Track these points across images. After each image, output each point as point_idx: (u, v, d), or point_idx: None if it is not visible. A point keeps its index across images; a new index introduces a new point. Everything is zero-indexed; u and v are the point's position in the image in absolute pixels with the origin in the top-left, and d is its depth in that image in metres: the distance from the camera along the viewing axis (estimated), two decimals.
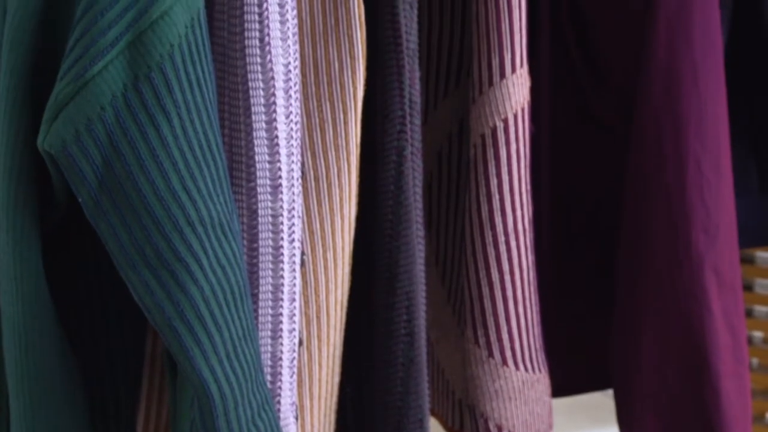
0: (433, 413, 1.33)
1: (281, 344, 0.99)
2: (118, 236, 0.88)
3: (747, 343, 1.25)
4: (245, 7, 0.95)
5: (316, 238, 1.06)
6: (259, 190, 0.97)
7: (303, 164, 1.04)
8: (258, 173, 0.97)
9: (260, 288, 0.98)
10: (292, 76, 0.97)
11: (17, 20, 0.87)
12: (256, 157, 0.97)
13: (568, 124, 1.31)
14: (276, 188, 0.97)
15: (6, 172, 0.89)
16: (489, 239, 1.17)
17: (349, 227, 1.07)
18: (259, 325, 0.98)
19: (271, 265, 0.98)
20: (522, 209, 1.18)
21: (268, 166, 0.97)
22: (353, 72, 1.05)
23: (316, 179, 1.05)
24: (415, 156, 1.11)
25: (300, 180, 1.00)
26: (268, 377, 0.99)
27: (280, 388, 0.99)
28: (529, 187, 1.18)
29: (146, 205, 0.88)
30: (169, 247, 0.88)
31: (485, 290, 1.18)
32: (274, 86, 0.96)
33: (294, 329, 1.00)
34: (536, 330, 1.21)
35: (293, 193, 0.99)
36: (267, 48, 0.95)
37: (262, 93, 0.96)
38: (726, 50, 1.25)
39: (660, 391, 1.25)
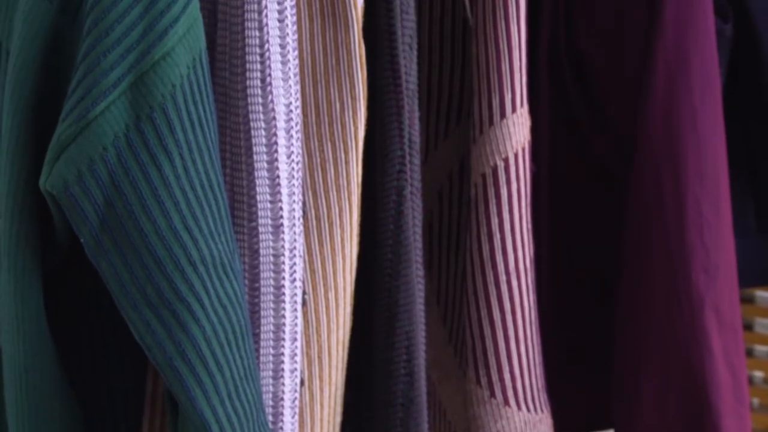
0: None
1: (283, 384, 0.99)
2: (119, 275, 0.88)
3: (747, 383, 1.25)
4: (247, 48, 0.95)
5: (317, 278, 1.06)
6: (260, 229, 0.97)
7: (304, 204, 1.04)
8: (259, 213, 0.97)
9: (262, 327, 0.98)
10: (293, 116, 0.98)
11: (20, 61, 0.88)
12: (258, 197, 0.97)
13: (567, 163, 1.31)
14: (277, 228, 0.97)
15: (8, 211, 0.90)
16: (490, 278, 1.17)
17: (351, 267, 1.07)
18: (261, 365, 0.98)
19: (272, 305, 0.98)
20: (523, 248, 1.18)
21: (269, 205, 0.97)
22: (354, 112, 1.05)
23: (318, 219, 1.06)
24: (414, 196, 1.11)
25: (301, 219, 1.00)
26: (270, 417, 0.98)
27: (281, 428, 0.99)
28: (530, 227, 1.19)
29: (148, 245, 0.88)
30: (171, 286, 0.88)
31: (486, 330, 1.18)
32: (275, 126, 0.96)
33: (296, 369, 1.00)
34: (538, 370, 1.20)
35: (295, 233, 0.99)
36: (268, 88, 0.96)
37: (263, 133, 0.96)
38: (724, 92, 1.25)
39: (661, 431, 1.25)
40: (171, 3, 0.87)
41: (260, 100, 0.96)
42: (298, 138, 0.99)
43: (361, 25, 1.05)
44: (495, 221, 1.16)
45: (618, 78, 1.26)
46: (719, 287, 1.20)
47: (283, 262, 0.98)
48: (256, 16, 0.95)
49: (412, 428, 1.10)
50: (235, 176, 0.97)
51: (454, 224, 1.29)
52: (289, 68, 0.97)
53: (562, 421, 1.29)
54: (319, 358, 1.06)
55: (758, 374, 1.82)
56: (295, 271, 0.99)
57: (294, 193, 0.99)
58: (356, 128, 1.06)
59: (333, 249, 1.06)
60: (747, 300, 1.77)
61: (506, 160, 1.16)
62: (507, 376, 1.18)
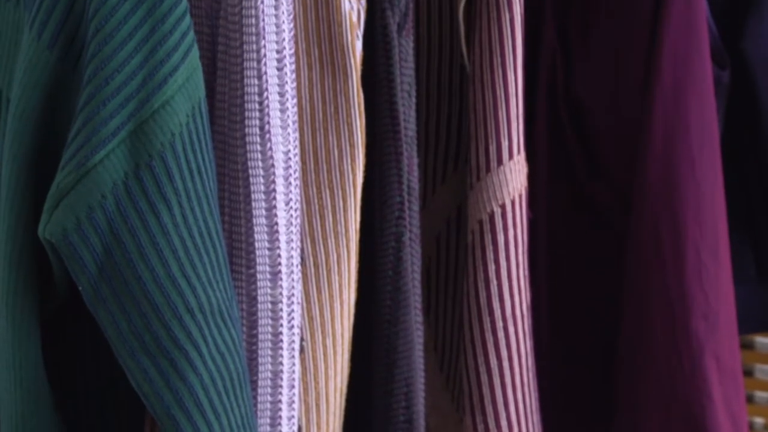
0: None
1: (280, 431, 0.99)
2: (117, 323, 0.88)
3: (749, 430, 1.25)
4: (246, 96, 0.96)
5: (315, 325, 1.06)
6: (258, 276, 0.97)
7: (303, 251, 1.04)
8: (258, 260, 0.97)
9: (259, 375, 0.98)
10: (291, 163, 0.98)
11: (20, 110, 0.88)
12: (256, 244, 0.97)
13: (565, 210, 1.32)
14: (275, 275, 0.98)
15: (6, 259, 0.90)
16: (487, 325, 1.17)
17: (349, 314, 1.07)
18: (258, 413, 0.98)
19: (270, 352, 0.98)
20: (520, 295, 1.18)
21: (267, 252, 0.97)
22: (353, 159, 1.06)
23: (316, 266, 1.06)
24: (413, 242, 1.11)
25: (299, 266, 1.01)
26: None
27: None
28: (527, 273, 1.19)
29: (146, 293, 0.88)
30: (168, 334, 0.88)
31: (484, 376, 1.17)
32: (274, 173, 0.97)
33: (293, 416, 1.00)
34: (535, 417, 1.20)
35: (293, 280, 0.99)
36: (267, 136, 0.96)
37: (262, 180, 0.96)
38: (722, 138, 1.26)
39: None
40: (171, 52, 0.88)
41: (259, 147, 0.96)
42: (296, 185, 0.99)
43: (359, 73, 1.06)
44: (492, 267, 1.16)
45: (616, 125, 1.27)
46: (719, 334, 1.20)
47: (281, 309, 0.98)
48: (255, 64, 0.95)
49: None
50: (234, 223, 0.97)
51: (451, 270, 1.29)
52: (288, 116, 0.97)
53: None
54: (317, 405, 1.06)
55: (759, 420, 1.81)
56: (293, 318, 0.99)
57: (292, 240, 0.99)
58: (355, 175, 1.06)
59: (331, 295, 1.06)
60: (747, 346, 1.77)
61: (503, 207, 1.16)
62: (504, 422, 1.17)
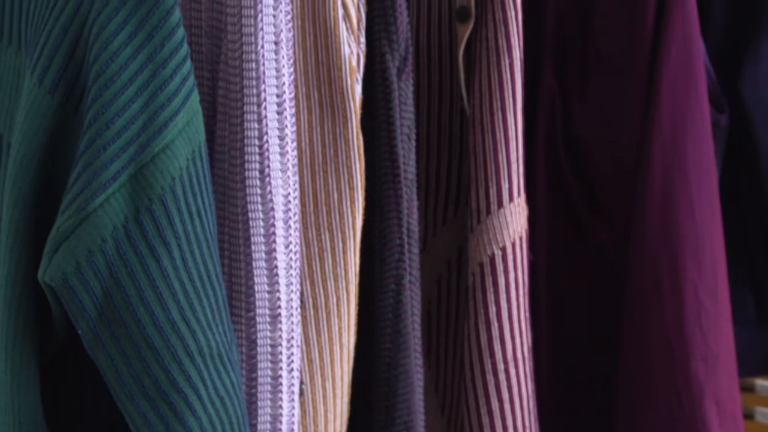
0: None
1: None
2: (116, 367, 0.88)
3: None
4: (246, 140, 0.96)
5: (315, 368, 1.06)
6: (258, 320, 0.97)
7: (302, 293, 1.05)
8: (257, 303, 0.97)
9: (259, 418, 0.98)
10: (291, 206, 0.98)
11: (21, 155, 0.89)
12: (256, 287, 0.97)
13: (565, 251, 1.32)
14: (275, 318, 0.98)
15: (6, 303, 0.90)
16: (488, 367, 1.17)
17: (348, 356, 1.07)
18: None
19: (269, 395, 0.98)
20: (521, 337, 1.18)
21: (267, 296, 0.97)
22: (352, 202, 1.06)
23: (316, 308, 1.06)
24: (413, 285, 1.11)
25: (299, 309, 1.01)
26: None
27: None
28: (528, 315, 1.19)
29: (145, 336, 0.88)
30: (168, 378, 0.88)
31: (485, 419, 1.17)
32: (273, 217, 0.97)
33: None
34: None
35: (292, 323, 0.99)
36: (267, 179, 0.97)
37: (261, 224, 0.97)
38: (721, 181, 1.26)
39: None
40: (171, 97, 0.88)
41: (259, 191, 0.96)
42: (296, 228, 0.99)
43: (359, 116, 1.07)
44: (493, 310, 1.16)
45: (615, 166, 1.27)
46: (719, 377, 1.20)
47: (281, 352, 0.98)
48: (255, 108, 0.96)
49: None
50: (234, 266, 0.98)
51: (452, 313, 1.29)
52: (288, 159, 0.98)
53: None
54: None
55: None
56: (292, 361, 0.99)
57: (292, 283, 0.99)
58: (354, 218, 1.06)
59: (331, 338, 1.06)
60: (747, 389, 1.76)
61: (504, 249, 1.16)
62: None
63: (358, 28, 1.07)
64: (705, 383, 1.20)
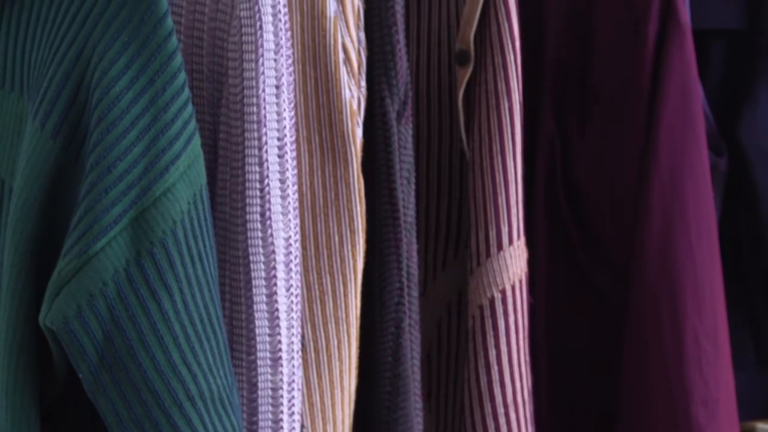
0: None
1: None
2: (117, 411, 0.88)
3: None
4: (247, 183, 0.96)
5: (315, 411, 1.06)
6: (259, 363, 0.97)
7: (303, 336, 1.05)
8: (258, 346, 0.97)
9: None
10: (292, 249, 0.99)
11: (22, 200, 0.89)
12: (257, 330, 0.97)
13: (565, 294, 1.32)
14: (276, 361, 0.98)
15: (7, 348, 0.90)
16: (488, 411, 1.17)
17: (350, 400, 1.07)
18: None
19: None
20: (521, 380, 1.18)
21: (268, 339, 0.97)
22: (353, 245, 1.06)
23: (316, 351, 1.06)
24: (413, 328, 1.11)
25: (300, 352, 1.00)
26: None
27: None
28: (528, 358, 1.19)
29: (146, 380, 0.88)
30: (169, 422, 0.88)
31: None
32: (274, 260, 0.97)
33: None
34: None
35: (293, 366, 0.99)
36: (268, 222, 0.97)
37: (262, 267, 0.97)
38: (720, 224, 1.27)
39: None
40: (173, 140, 0.88)
41: (260, 234, 0.97)
42: (297, 271, 0.99)
43: (359, 160, 1.07)
44: (493, 353, 1.16)
45: (614, 209, 1.27)
46: (719, 421, 1.20)
47: (282, 396, 0.98)
48: (256, 152, 0.96)
49: None
50: (234, 309, 0.98)
51: (452, 355, 1.28)
52: (289, 203, 0.98)
53: None
54: None
55: None
56: (293, 405, 0.99)
57: (293, 326, 0.99)
58: (355, 261, 1.07)
59: (332, 382, 1.06)
60: None
61: (503, 292, 1.16)
62: None
63: (359, 72, 1.07)
64: (705, 427, 1.19)
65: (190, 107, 0.89)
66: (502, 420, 1.16)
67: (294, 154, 0.99)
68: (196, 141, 0.90)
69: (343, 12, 1.06)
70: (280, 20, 0.96)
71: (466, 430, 1.18)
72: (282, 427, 0.98)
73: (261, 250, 0.97)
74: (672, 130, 1.21)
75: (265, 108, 0.96)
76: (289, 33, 0.97)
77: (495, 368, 1.16)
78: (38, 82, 0.90)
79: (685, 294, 1.20)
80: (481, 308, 1.17)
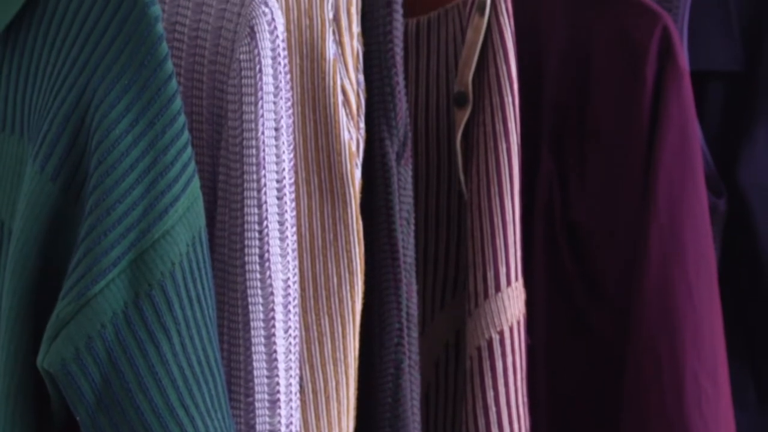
0: None
1: None
2: None
3: None
4: (246, 225, 0.97)
5: None
6: (257, 405, 0.97)
7: (301, 378, 1.04)
8: (256, 388, 0.97)
9: None
10: (291, 291, 0.99)
11: (21, 242, 0.89)
12: (255, 372, 0.97)
13: (563, 335, 1.32)
14: (274, 403, 0.97)
15: (4, 390, 0.90)
16: None
17: None
18: None
19: None
20: (519, 422, 1.17)
21: (266, 380, 0.97)
22: (352, 286, 1.06)
23: (315, 393, 1.06)
24: (412, 368, 1.11)
25: (298, 394, 1.00)
26: None
27: None
28: (526, 400, 1.18)
29: (144, 423, 0.88)
30: None
31: None
32: (273, 301, 0.97)
33: None
34: None
35: (291, 408, 0.99)
36: (267, 264, 0.97)
37: (261, 308, 0.97)
38: (720, 265, 1.27)
39: None
40: (172, 183, 0.89)
41: (258, 276, 0.97)
42: (295, 313, 0.99)
43: (358, 201, 1.07)
44: (491, 394, 1.16)
45: (613, 251, 1.27)
46: None
47: None
48: (255, 194, 0.96)
49: None
50: (233, 351, 0.98)
51: (450, 396, 1.28)
52: (288, 244, 0.98)
53: None
54: None
55: None
56: None
57: (291, 368, 0.99)
58: (354, 302, 1.07)
59: (330, 423, 1.06)
60: None
61: (501, 333, 1.16)
62: None
63: (358, 114, 1.08)
64: None
65: (189, 150, 0.90)
66: None
67: (293, 195, 0.99)
68: (195, 183, 0.90)
69: (342, 54, 1.07)
70: (279, 63, 0.97)
71: None
72: None
73: (259, 291, 0.97)
74: (671, 171, 1.22)
75: (264, 150, 0.96)
76: (288, 76, 0.97)
77: (493, 410, 1.16)
78: (39, 124, 0.90)
79: (685, 335, 1.20)
80: (479, 349, 1.17)
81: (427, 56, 1.26)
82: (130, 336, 0.88)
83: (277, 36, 0.96)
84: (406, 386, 1.09)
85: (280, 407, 0.97)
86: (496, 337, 1.16)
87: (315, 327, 1.06)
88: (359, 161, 1.08)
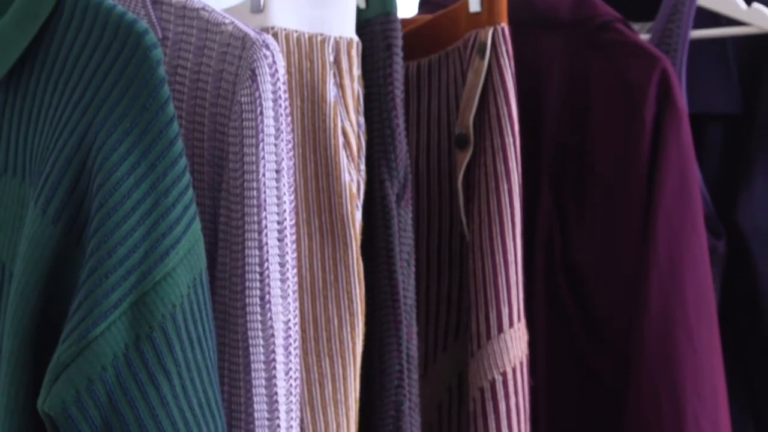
0: None
1: None
2: None
3: None
4: (247, 267, 0.97)
5: None
6: None
7: (302, 420, 1.04)
8: (257, 430, 0.97)
9: None
10: (292, 332, 0.99)
11: (22, 284, 0.89)
12: (256, 414, 0.97)
13: (565, 377, 1.32)
14: None
15: None
16: None
17: None
18: None
19: None
20: None
21: (267, 422, 0.97)
22: (352, 328, 1.06)
23: None
24: (412, 411, 1.11)
25: None
26: None
27: None
28: None
29: None
30: None
31: None
32: (273, 343, 0.97)
33: None
34: None
35: None
36: (267, 306, 0.97)
37: (262, 350, 0.97)
38: (720, 307, 1.27)
39: None
40: (173, 225, 0.89)
41: (259, 317, 0.97)
42: (296, 354, 0.99)
43: (359, 242, 1.07)
44: None
45: (614, 292, 1.28)
46: None
47: None
48: (256, 235, 0.97)
49: None
50: (233, 393, 0.97)
51: None
52: (288, 286, 0.98)
53: None
54: None
55: None
56: None
57: (292, 410, 0.99)
58: (354, 344, 1.07)
59: None
60: None
61: (504, 375, 1.16)
62: None
63: (359, 156, 1.08)
64: None
65: (190, 192, 0.90)
66: None
67: (294, 237, 0.99)
68: (197, 225, 0.90)
69: (343, 97, 1.08)
70: (280, 105, 0.97)
71: None
72: None
73: (260, 333, 0.97)
74: (670, 214, 1.22)
75: (265, 192, 0.97)
76: (289, 118, 0.98)
77: None
78: (40, 167, 0.90)
79: (685, 377, 1.20)
80: (482, 391, 1.16)
81: (428, 98, 1.27)
82: (130, 378, 0.87)
83: (278, 79, 0.97)
84: (406, 428, 1.09)
85: None
86: (499, 378, 1.16)
87: (316, 368, 1.06)
88: (360, 203, 1.08)
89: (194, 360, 0.89)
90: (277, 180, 0.97)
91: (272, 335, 0.97)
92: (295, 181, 1.03)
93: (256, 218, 0.97)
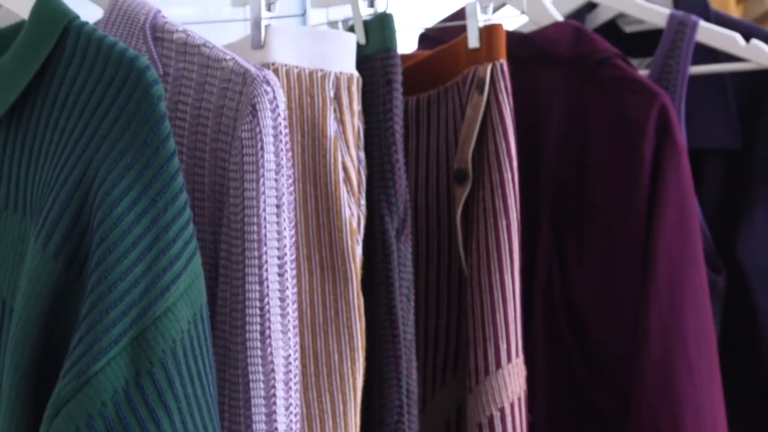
0: None
1: None
2: None
3: None
4: (247, 302, 0.97)
5: None
6: None
7: None
8: None
9: None
10: (292, 368, 0.98)
11: (23, 320, 0.89)
12: None
13: (564, 412, 1.31)
14: None
15: None
16: None
17: None
18: None
19: None
20: None
21: None
22: (353, 363, 1.06)
23: None
24: None
25: None
26: None
27: None
28: None
29: None
30: None
31: None
32: (274, 378, 0.97)
33: None
34: None
35: None
36: (268, 341, 0.97)
37: (262, 385, 0.97)
38: (720, 342, 1.27)
39: None
40: (174, 260, 0.89)
41: (259, 353, 0.96)
42: (296, 390, 0.99)
43: (359, 277, 1.07)
44: None
45: (614, 328, 1.28)
46: None
47: None
48: (256, 270, 0.97)
49: None
50: (233, 429, 0.97)
51: None
52: (289, 321, 0.98)
53: None
54: None
55: None
56: None
57: None
58: (355, 379, 1.06)
59: None
60: None
61: (502, 410, 1.16)
62: None
63: (359, 191, 1.09)
64: None
65: (191, 227, 0.90)
66: None
67: (294, 272, 0.99)
68: (197, 260, 0.90)
69: (343, 132, 1.08)
70: (281, 141, 0.97)
71: None
72: None
73: (260, 368, 0.96)
74: (670, 248, 1.22)
75: (265, 227, 0.97)
76: (289, 153, 0.98)
77: None
78: (41, 203, 0.91)
79: (686, 412, 1.20)
80: (480, 426, 1.16)
81: (427, 133, 1.27)
82: (130, 414, 0.87)
83: (279, 114, 0.97)
84: None
85: None
86: (497, 414, 1.16)
87: (316, 404, 1.05)
88: (360, 238, 1.08)
89: (194, 395, 0.89)
90: (278, 215, 0.97)
91: (272, 370, 0.97)
92: (295, 216, 1.03)
93: (256, 253, 0.97)
